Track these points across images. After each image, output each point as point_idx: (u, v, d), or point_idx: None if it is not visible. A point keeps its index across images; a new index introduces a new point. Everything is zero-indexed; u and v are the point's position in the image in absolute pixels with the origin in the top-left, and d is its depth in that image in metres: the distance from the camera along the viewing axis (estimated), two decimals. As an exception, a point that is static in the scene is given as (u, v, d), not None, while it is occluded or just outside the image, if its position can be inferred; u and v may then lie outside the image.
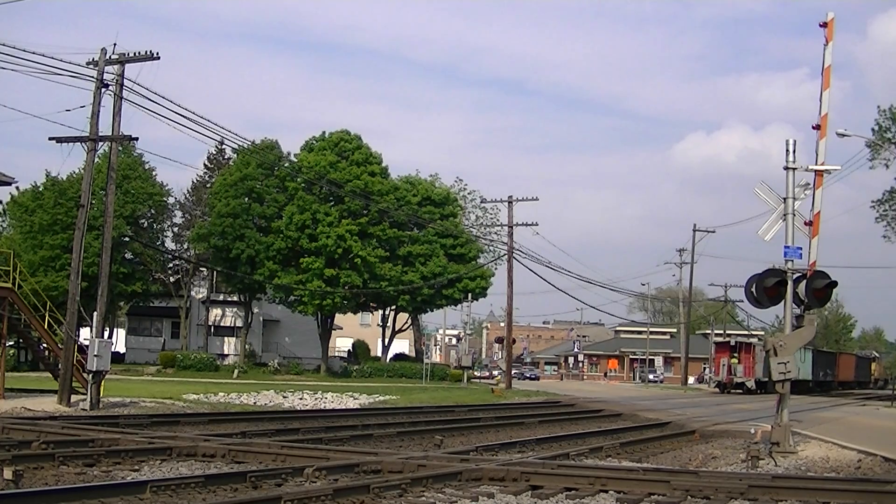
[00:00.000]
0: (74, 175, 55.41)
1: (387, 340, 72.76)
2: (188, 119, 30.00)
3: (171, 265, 67.59)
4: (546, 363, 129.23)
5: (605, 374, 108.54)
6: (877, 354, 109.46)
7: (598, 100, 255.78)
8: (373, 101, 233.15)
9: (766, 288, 19.31)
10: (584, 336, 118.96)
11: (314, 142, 63.16)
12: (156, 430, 20.28)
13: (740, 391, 60.51)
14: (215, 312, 71.65)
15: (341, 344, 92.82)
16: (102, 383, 28.82)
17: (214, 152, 68.45)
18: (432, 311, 72.78)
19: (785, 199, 19.41)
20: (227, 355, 69.00)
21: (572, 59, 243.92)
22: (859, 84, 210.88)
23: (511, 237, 55.78)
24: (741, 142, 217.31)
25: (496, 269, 72.10)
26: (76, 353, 29.57)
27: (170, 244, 68.52)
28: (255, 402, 35.33)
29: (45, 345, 32.71)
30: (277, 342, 73.46)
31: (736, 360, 61.87)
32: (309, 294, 58.57)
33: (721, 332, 79.02)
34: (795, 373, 18.98)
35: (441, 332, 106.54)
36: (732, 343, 64.17)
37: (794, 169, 19.53)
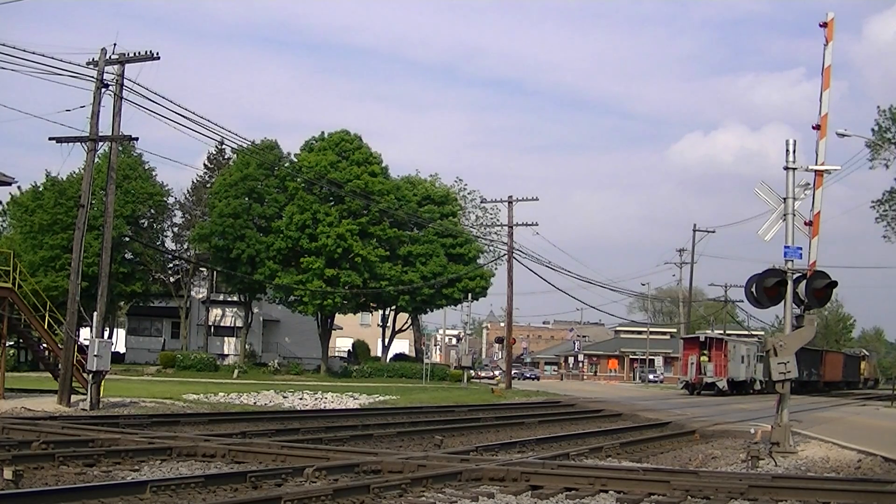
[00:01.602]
0: (74, 175, 55.45)
1: (387, 340, 72.76)
2: (188, 119, 30.08)
3: (171, 265, 67.61)
4: (546, 363, 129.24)
5: (595, 373, 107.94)
6: (866, 353, 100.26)
7: (597, 100, 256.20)
8: (373, 102, 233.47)
9: (766, 288, 19.30)
10: (584, 336, 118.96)
11: (314, 142, 63.17)
12: (156, 430, 20.27)
13: (711, 392, 56.08)
14: (215, 312, 71.64)
15: (341, 344, 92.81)
16: (102, 383, 28.82)
17: (214, 152, 68.52)
18: (432, 311, 72.82)
19: (785, 199, 19.41)
20: (227, 355, 68.99)
21: (571, 60, 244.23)
22: (855, 84, 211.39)
23: (511, 237, 55.81)
24: (738, 142, 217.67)
25: (496, 269, 72.22)
26: (76, 353, 29.56)
27: (170, 244, 68.61)
28: (255, 403, 35.32)
29: (45, 345, 32.71)
30: (277, 342, 73.45)
31: (706, 358, 56.99)
32: (309, 294, 58.57)
33: (721, 331, 78.34)
34: (795, 373, 18.95)
35: (441, 332, 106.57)
36: (702, 339, 59.47)
37: (794, 169, 19.52)
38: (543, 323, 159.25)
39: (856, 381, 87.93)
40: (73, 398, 28.33)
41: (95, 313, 29.50)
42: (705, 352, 57.38)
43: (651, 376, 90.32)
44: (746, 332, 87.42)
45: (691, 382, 57.59)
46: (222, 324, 72.41)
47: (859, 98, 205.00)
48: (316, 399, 38.59)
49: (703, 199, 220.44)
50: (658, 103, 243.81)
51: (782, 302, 19.52)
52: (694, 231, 75.67)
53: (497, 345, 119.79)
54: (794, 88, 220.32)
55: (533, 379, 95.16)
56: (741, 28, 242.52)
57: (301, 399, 38.29)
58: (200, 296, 70.46)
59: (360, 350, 79.53)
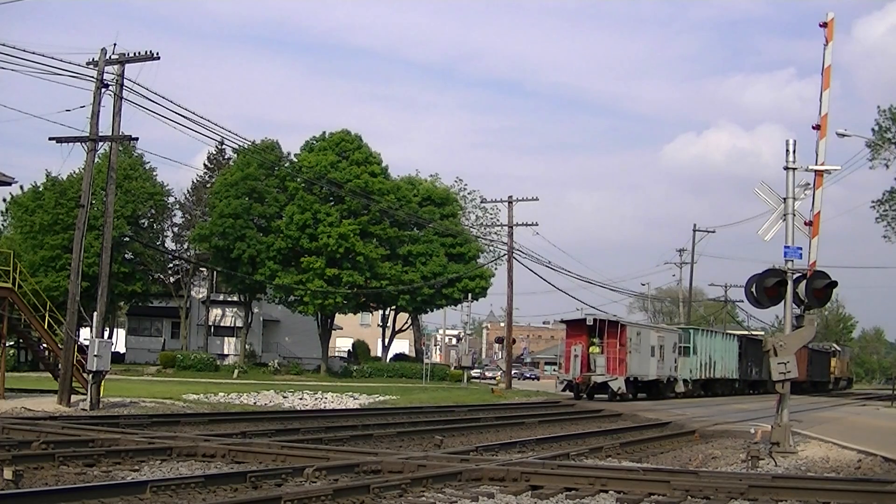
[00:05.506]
0: (74, 175, 55.43)
1: (387, 340, 72.77)
2: (188, 119, 30.08)
3: (171, 265, 67.59)
4: (546, 363, 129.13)
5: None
6: (837, 348, 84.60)
7: (596, 100, 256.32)
8: (372, 102, 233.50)
9: (766, 288, 19.31)
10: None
11: (315, 142, 63.18)
12: (156, 430, 20.27)
13: (605, 396, 42.48)
14: (215, 312, 71.62)
15: (341, 344, 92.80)
16: (102, 383, 28.81)
17: (214, 152, 68.54)
18: (432, 311, 72.81)
19: (785, 199, 19.41)
20: (227, 355, 68.97)
21: (570, 60, 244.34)
22: (846, 84, 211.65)
23: (511, 237, 55.78)
24: (731, 141, 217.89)
25: (496, 269, 72.16)
26: (76, 353, 29.56)
27: (170, 244, 68.58)
28: (255, 403, 35.33)
29: (45, 345, 32.70)
30: (277, 342, 73.45)
31: (597, 349, 42.35)
32: (310, 294, 58.57)
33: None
34: (795, 372, 18.94)
35: (441, 332, 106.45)
36: (590, 322, 42.91)
37: (794, 169, 19.53)
38: (543, 323, 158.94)
39: (825, 382, 73.62)
40: (73, 398, 28.32)
41: (95, 313, 29.50)
42: (595, 340, 42.76)
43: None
44: (734, 329, 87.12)
45: (575, 382, 42.66)
46: (222, 324, 72.41)
47: (850, 97, 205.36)
48: (316, 399, 38.59)
49: (698, 198, 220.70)
50: (653, 103, 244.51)
51: (782, 302, 19.53)
52: (694, 231, 75.64)
53: (497, 345, 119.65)
54: (785, 88, 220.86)
55: (533, 379, 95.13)
56: (736, 29, 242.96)
57: (301, 399, 38.29)
58: (200, 296, 70.43)
59: (360, 350, 79.53)
